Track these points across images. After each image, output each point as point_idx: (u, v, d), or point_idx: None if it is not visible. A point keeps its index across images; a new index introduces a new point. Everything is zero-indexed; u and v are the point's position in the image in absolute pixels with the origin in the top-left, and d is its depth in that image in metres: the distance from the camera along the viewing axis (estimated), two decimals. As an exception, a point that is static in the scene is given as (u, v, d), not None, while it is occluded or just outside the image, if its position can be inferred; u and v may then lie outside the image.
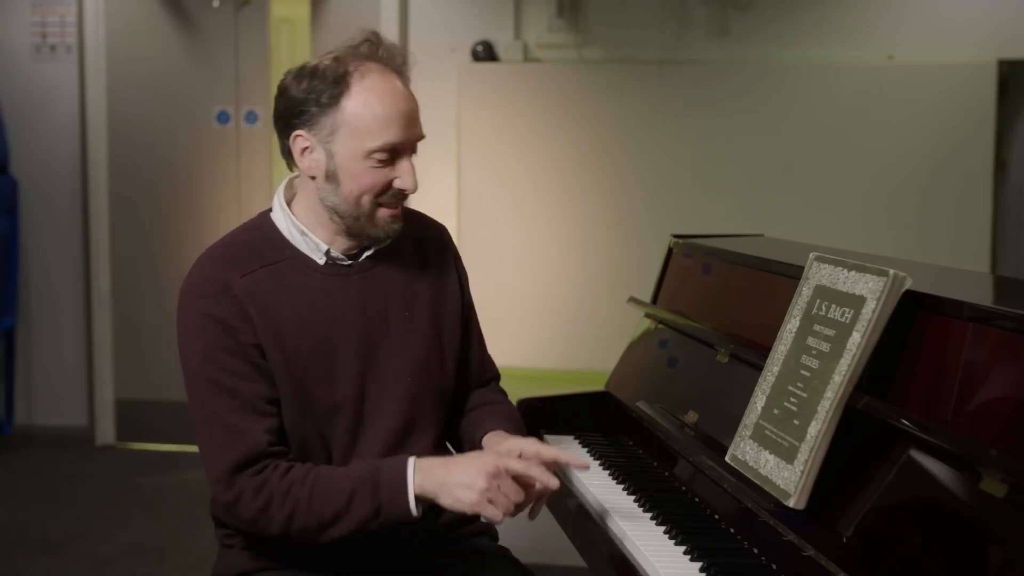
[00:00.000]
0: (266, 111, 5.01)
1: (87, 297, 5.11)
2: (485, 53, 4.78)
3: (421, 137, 1.71)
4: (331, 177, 1.67)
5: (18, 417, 5.18)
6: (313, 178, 1.69)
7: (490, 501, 1.56)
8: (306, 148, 1.67)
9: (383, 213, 1.69)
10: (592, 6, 4.77)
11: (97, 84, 5.02)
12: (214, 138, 5.04)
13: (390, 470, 1.60)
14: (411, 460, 1.60)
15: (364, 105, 1.64)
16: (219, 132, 5.04)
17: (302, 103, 1.65)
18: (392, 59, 1.70)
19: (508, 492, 1.57)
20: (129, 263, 5.11)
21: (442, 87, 4.90)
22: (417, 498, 1.58)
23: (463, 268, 1.93)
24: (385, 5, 4.80)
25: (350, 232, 1.71)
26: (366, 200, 1.67)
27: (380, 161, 1.65)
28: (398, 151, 1.67)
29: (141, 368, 5.11)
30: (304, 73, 1.66)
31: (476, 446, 1.82)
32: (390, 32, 4.61)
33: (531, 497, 1.61)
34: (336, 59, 1.66)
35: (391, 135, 1.65)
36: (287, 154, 1.72)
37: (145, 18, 5.03)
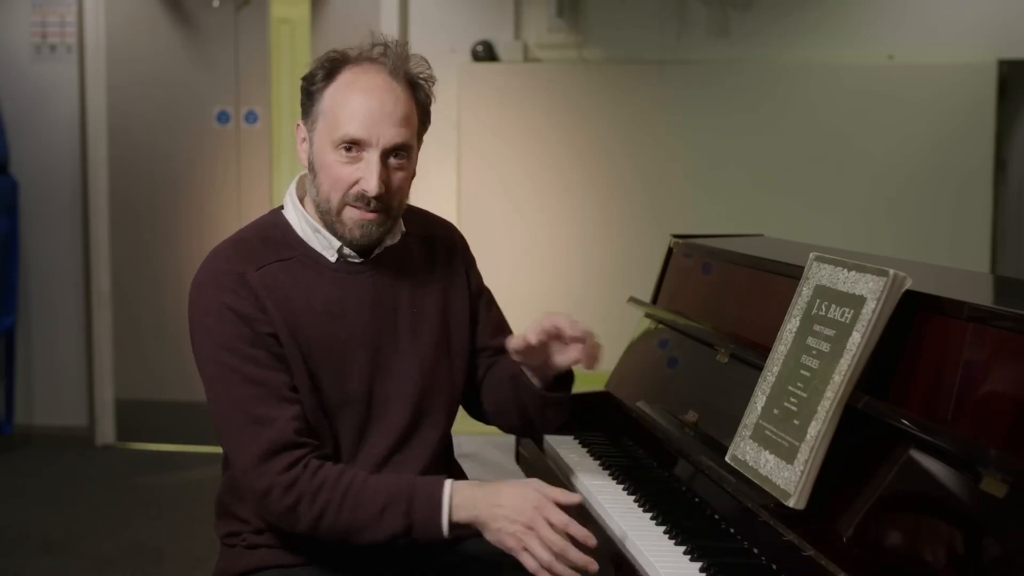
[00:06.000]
0: (266, 111, 5.01)
1: (87, 297, 5.11)
2: (485, 53, 4.78)
3: (395, 143, 1.65)
4: (311, 168, 1.70)
5: (18, 417, 5.18)
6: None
7: (525, 549, 1.53)
8: (303, 138, 1.71)
9: (350, 214, 1.67)
10: (592, 6, 4.76)
11: (97, 84, 5.02)
12: (214, 138, 5.04)
13: (424, 491, 1.58)
14: (447, 483, 1.59)
15: (338, 94, 1.65)
16: (219, 132, 5.04)
17: (303, 91, 1.69)
18: (396, 63, 1.69)
19: (549, 540, 1.53)
20: (129, 263, 5.11)
21: (442, 87, 4.88)
22: (453, 524, 1.57)
23: (473, 264, 1.92)
24: (385, 5, 4.80)
25: (329, 230, 1.71)
26: (334, 197, 1.66)
27: (347, 155, 1.64)
28: (362, 147, 1.64)
29: (141, 368, 5.11)
30: (313, 64, 1.69)
31: (516, 375, 1.80)
32: (390, 32, 4.60)
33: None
34: (342, 52, 1.68)
35: (351, 128, 1.63)
36: None
37: (145, 18, 5.03)
